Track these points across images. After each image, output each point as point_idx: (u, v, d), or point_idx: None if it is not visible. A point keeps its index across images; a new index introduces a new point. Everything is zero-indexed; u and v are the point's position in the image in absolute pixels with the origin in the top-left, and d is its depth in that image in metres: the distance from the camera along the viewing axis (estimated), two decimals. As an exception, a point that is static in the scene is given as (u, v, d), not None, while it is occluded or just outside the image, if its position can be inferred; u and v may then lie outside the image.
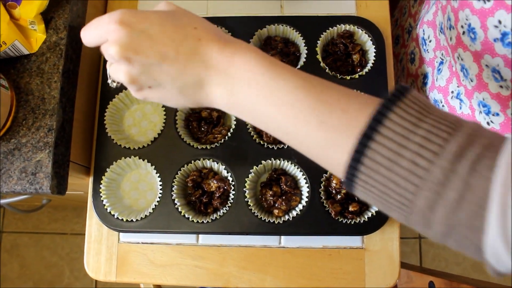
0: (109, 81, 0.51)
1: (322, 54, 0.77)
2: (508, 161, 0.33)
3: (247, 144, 0.73)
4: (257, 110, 0.44)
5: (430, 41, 0.73)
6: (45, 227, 1.78)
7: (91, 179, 0.75)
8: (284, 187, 0.71)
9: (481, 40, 0.52)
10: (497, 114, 0.58)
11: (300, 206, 0.71)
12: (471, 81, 0.59)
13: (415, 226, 0.39)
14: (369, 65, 0.75)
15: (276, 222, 0.70)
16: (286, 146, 0.72)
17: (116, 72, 0.46)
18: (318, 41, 0.76)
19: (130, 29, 0.43)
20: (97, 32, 0.45)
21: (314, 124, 0.41)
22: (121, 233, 0.75)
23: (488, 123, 0.60)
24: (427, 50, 0.75)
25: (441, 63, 0.70)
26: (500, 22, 0.48)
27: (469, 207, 0.34)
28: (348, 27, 0.77)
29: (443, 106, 0.71)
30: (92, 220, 0.76)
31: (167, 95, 0.47)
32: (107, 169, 0.73)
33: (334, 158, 0.41)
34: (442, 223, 0.36)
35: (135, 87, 0.47)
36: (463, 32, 0.55)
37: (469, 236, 0.35)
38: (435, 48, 0.72)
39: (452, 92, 0.67)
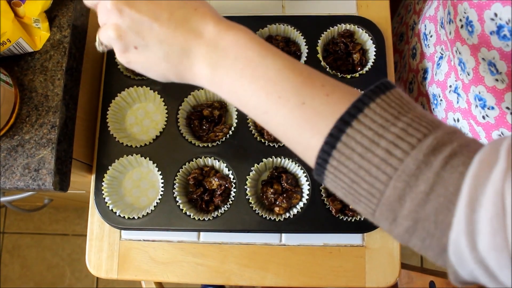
0: (96, 43, 0.51)
1: (322, 53, 0.78)
2: (482, 159, 0.33)
3: (248, 142, 0.73)
4: (239, 87, 0.43)
5: (431, 36, 0.74)
6: (46, 228, 1.78)
7: (93, 177, 0.75)
8: (285, 185, 0.72)
9: (478, 33, 0.53)
10: (492, 108, 0.59)
11: (301, 204, 0.71)
12: (468, 74, 0.60)
13: (380, 221, 0.38)
14: (369, 64, 0.76)
15: (277, 220, 0.70)
16: (287, 144, 0.73)
17: (106, 29, 0.46)
18: (319, 41, 0.77)
19: None
20: None
21: (295, 104, 0.40)
22: (122, 231, 0.75)
23: (483, 117, 0.61)
24: (428, 45, 0.76)
25: (441, 57, 0.70)
26: (496, 15, 0.49)
27: (438, 200, 0.33)
28: (348, 26, 0.78)
29: (441, 100, 0.72)
30: (94, 217, 0.76)
31: (151, 60, 0.46)
32: (109, 167, 0.74)
33: (310, 143, 0.40)
34: (408, 217, 0.35)
35: (121, 46, 0.46)
36: (461, 26, 0.56)
37: (434, 233, 0.34)
38: (436, 43, 0.72)
39: (450, 86, 0.68)
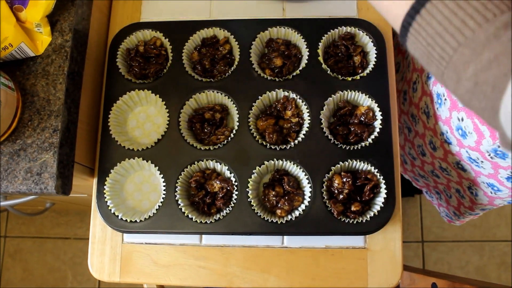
0: None
1: (323, 56, 0.78)
2: None
3: (249, 145, 0.73)
4: None
5: None
6: (48, 232, 1.78)
7: (95, 180, 0.75)
8: (287, 187, 0.72)
9: None
10: None
11: (303, 206, 0.71)
12: None
13: (447, 82, 0.42)
14: (370, 66, 0.76)
15: (279, 222, 0.70)
16: (289, 146, 0.73)
17: None
18: (320, 43, 0.77)
19: None
20: None
21: None
22: (124, 234, 0.75)
23: None
24: None
25: None
26: None
27: (498, 68, 0.36)
28: (349, 29, 0.78)
29: (445, 99, 0.72)
30: (96, 221, 0.76)
31: None
32: (111, 170, 0.74)
33: (400, 10, 0.44)
34: (470, 79, 0.39)
35: None
36: None
37: (490, 96, 0.37)
38: None
39: None
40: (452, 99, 0.70)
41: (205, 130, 0.76)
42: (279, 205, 0.72)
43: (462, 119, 0.68)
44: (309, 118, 0.74)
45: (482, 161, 0.71)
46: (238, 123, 0.74)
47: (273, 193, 0.72)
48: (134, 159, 0.74)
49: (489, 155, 0.68)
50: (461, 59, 0.39)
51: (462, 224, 1.69)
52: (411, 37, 0.44)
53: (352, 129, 0.74)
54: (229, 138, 0.74)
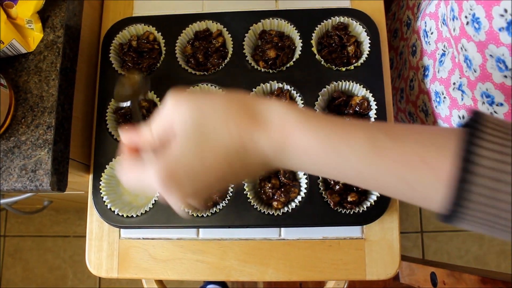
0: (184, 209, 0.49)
1: (317, 47, 0.78)
2: None
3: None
4: (318, 171, 0.43)
5: (432, 33, 0.73)
6: (47, 230, 1.78)
7: (91, 176, 0.75)
8: (283, 179, 0.72)
9: (486, 30, 0.52)
10: (501, 104, 0.58)
11: (299, 198, 0.71)
12: (475, 71, 0.60)
13: None
14: (364, 56, 0.76)
15: (275, 214, 0.70)
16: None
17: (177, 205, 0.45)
18: (313, 34, 0.77)
19: (174, 189, 0.42)
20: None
21: (394, 181, 0.39)
22: (122, 230, 0.75)
23: (491, 113, 0.60)
24: (429, 42, 0.75)
25: (443, 54, 0.70)
26: (506, 10, 0.48)
27: None
28: (342, 19, 0.78)
29: (444, 98, 0.71)
30: (92, 217, 0.76)
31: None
32: (107, 166, 0.74)
33: (426, 198, 0.40)
34: None
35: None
36: (467, 23, 0.55)
37: None
38: (437, 40, 0.72)
39: (454, 83, 0.67)
40: (452, 97, 0.69)
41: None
42: (275, 197, 0.71)
43: (463, 117, 0.68)
44: (304, 109, 0.74)
45: None
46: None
47: (269, 185, 0.72)
48: (129, 154, 0.74)
49: None
50: None
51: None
52: (463, 221, 0.38)
53: (347, 119, 0.74)
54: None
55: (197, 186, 0.43)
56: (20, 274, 1.75)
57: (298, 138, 0.41)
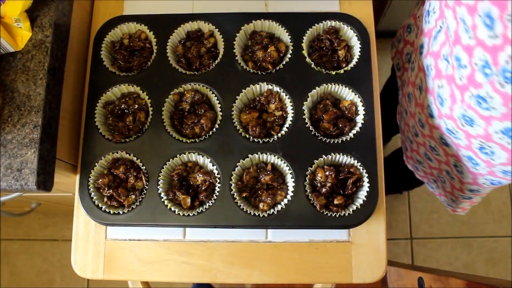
0: None
1: (308, 50, 0.78)
2: None
3: (233, 138, 0.73)
4: None
5: (434, 12, 0.74)
6: (36, 234, 1.76)
7: (78, 175, 0.75)
8: (270, 182, 0.72)
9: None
10: (465, 66, 0.60)
11: (285, 201, 0.71)
12: (450, 37, 0.62)
13: None
14: (354, 60, 0.76)
15: (261, 216, 0.70)
16: (272, 140, 0.73)
17: None
18: (304, 37, 0.77)
19: None
20: None
21: None
22: (108, 230, 0.75)
23: (460, 79, 0.63)
24: (429, 21, 0.76)
25: (439, 31, 0.71)
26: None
27: None
28: (333, 23, 0.78)
29: (431, 70, 0.72)
30: (79, 218, 0.76)
31: None
32: (96, 164, 0.73)
33: None
34: None
35: None
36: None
37: None
38: (438, 18, 0.72)
39: (444, 55, 0.68)
40: (438, 68, 0.70)
41: (189, 123, 0.76)
42: (262, 198, 0.71)
43: (442, 86, 0.69)
44: (292, 111, 0.74)
45: (457, 131, 0.71)
46: (221, 116, 0.74)
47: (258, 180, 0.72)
48: (117, 152, 0.74)
49: (461, 122, 0.68)
50: None
51: (450, 221, 1.70)
52: None
53: (334, 122, 0.74)
54: (211, 132, 0.74)
55: None
56: (7, 279, 1.72)
57: None
